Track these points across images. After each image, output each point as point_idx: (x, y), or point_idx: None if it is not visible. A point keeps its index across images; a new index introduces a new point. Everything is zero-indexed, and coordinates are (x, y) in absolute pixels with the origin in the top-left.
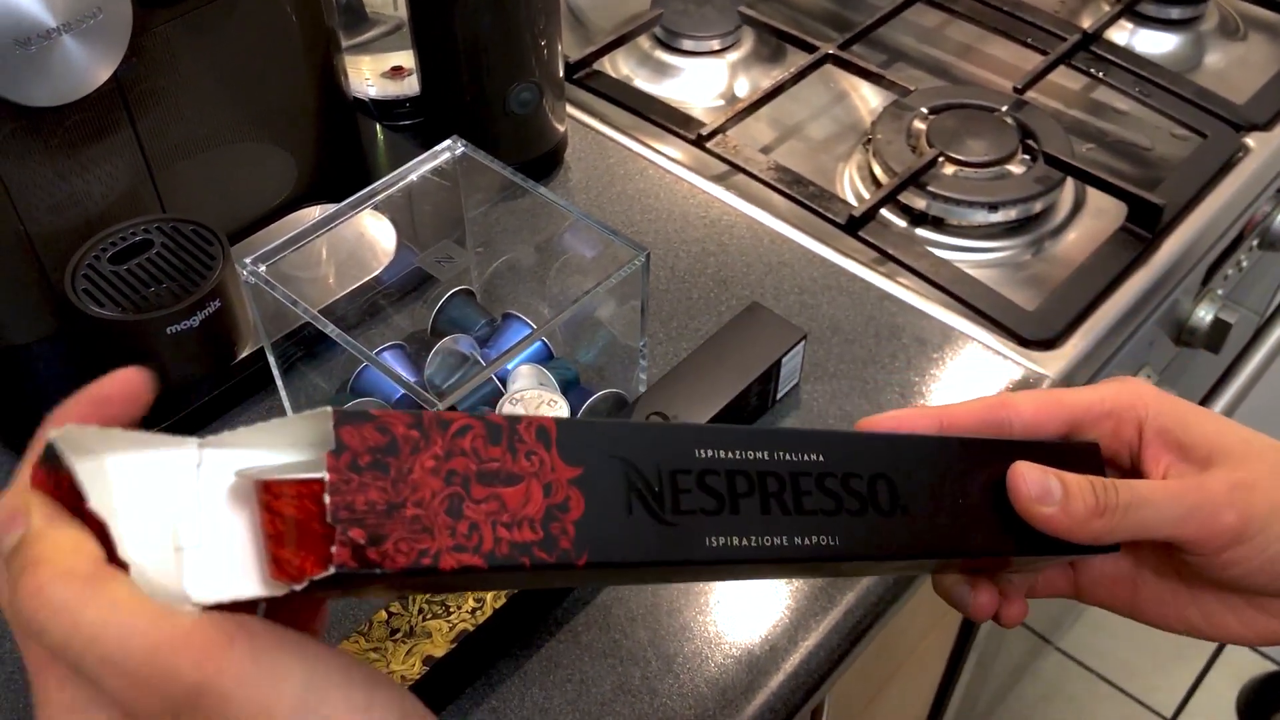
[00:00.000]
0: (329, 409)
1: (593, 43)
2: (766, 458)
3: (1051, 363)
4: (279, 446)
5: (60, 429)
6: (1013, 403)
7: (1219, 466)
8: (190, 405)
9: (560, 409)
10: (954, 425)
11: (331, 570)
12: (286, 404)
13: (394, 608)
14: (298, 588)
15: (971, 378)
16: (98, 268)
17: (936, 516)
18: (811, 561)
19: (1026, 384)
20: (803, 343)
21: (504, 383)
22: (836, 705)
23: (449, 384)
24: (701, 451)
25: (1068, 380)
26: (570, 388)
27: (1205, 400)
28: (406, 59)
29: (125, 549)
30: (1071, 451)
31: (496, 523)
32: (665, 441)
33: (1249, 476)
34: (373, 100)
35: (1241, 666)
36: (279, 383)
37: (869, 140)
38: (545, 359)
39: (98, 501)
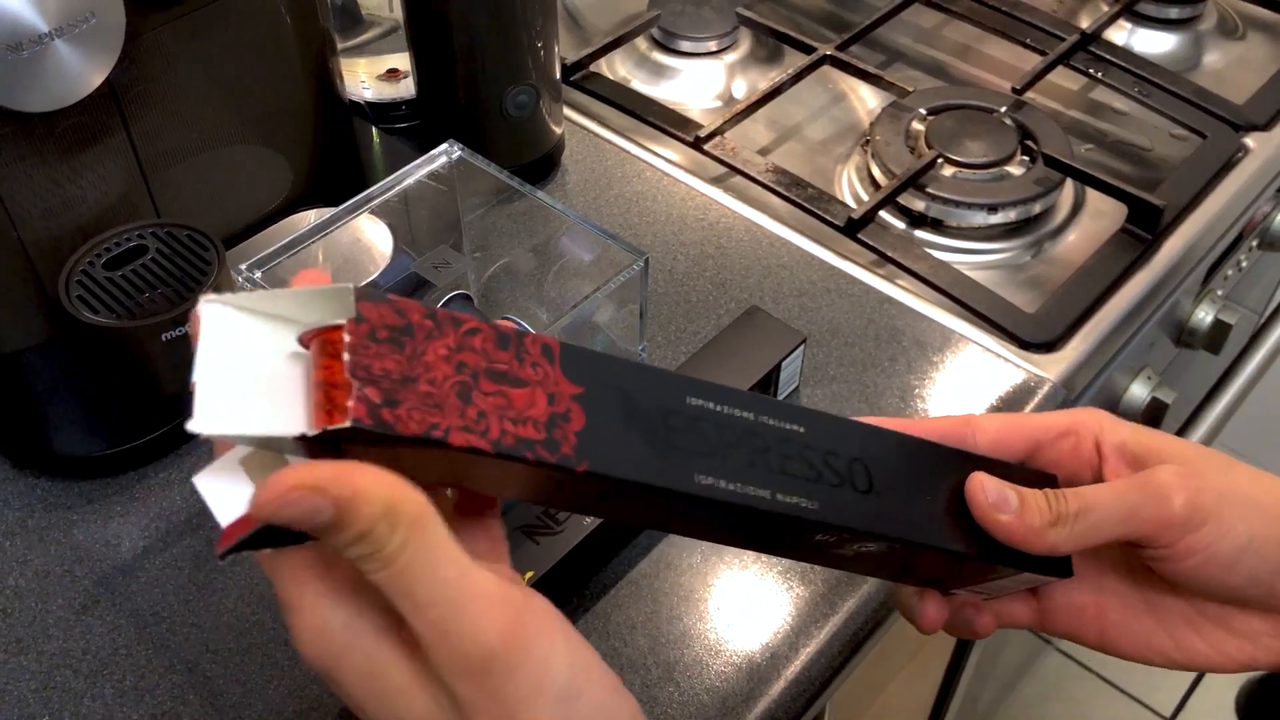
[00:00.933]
0: (350, 285)
1: (589, 44)
2: (753, 419)
3: (1052, 365)
4: (290, 315)
5: None
6: (977, 422)
7: (1166, 464)
8: (186, 412)
9: None
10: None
11: (348, 423)
12: None
13: None
14: (311, 434)
15: (972, 381)
16: (92, 274)
17: (908, 507)
18: (791, 521)
19: (1027, 387)
20: (802, 346)
21: None
22: (838, 711)
23: None
24: (693, 400)
25: (1068, 382)
26: None
27: (1206, 401)
28: (402, 61)
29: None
30: (1034, 475)
31: (504, 416)
32: (661, 383)
33: (1194, 469)
34: (368, 103)
35: None
36: None
37: (867, 141)
38: None
39: None
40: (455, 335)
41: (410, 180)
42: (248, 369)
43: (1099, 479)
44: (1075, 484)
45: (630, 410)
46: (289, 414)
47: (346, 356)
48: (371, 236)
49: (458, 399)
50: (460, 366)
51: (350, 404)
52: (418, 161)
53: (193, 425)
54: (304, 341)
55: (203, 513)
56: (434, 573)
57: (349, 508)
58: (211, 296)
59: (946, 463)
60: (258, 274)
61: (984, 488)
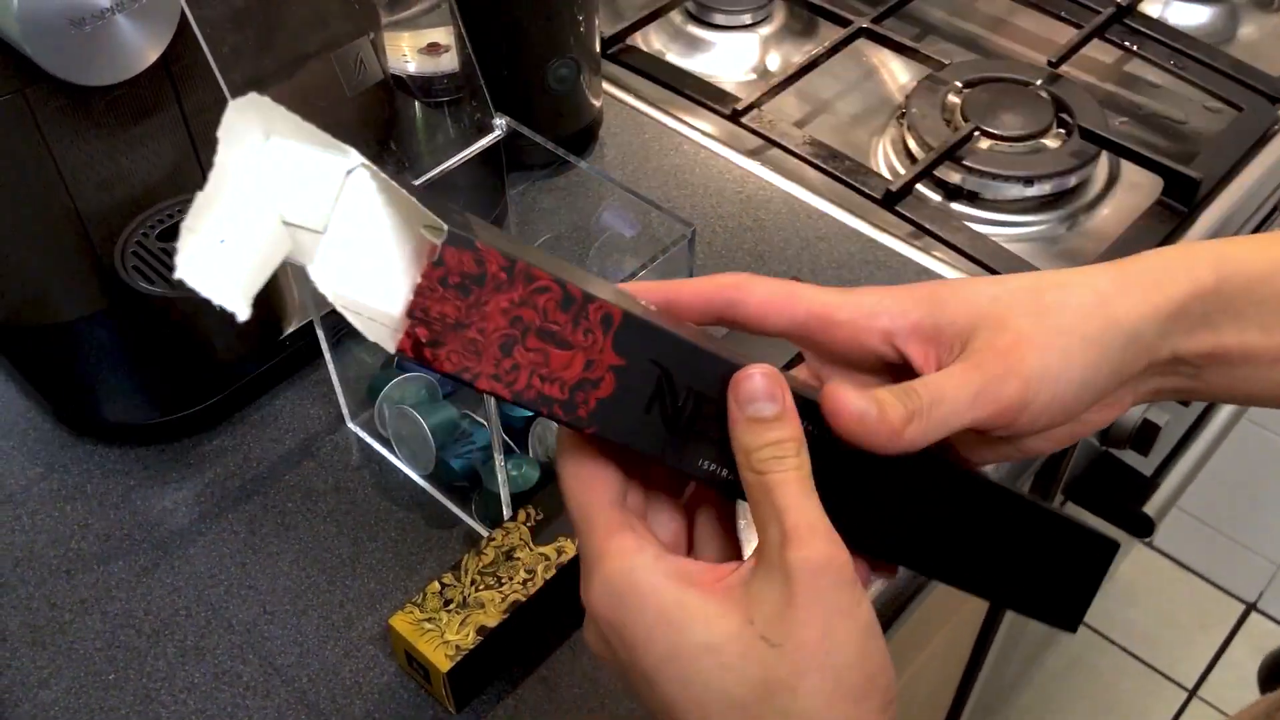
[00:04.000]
0: (446, 227)
1: (625, 18)
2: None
3: None
4: (411, 219)
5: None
6: (747, 286)
7: (981, 334)
8: (238, 380)
9: None
10: (679, 301)
11: (393, 350)
12: (335, 378)
13: (447, 579)
14: (392, 349)
15: None
16: (146, 244)
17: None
18: None
19: None
20: None
21: None
22: None
23: None
24: None
25: None
26: None
27: None
28: (443, 35)
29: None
30: (1081, 535)
31: (535, 372)
32: (709, 368)
33: (1011, 336)
34: (410, 76)
35: (1264, 638)
36: (328, 356)
37: (903, 114)
38: None
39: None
40: (523, 290)
41: (464, 156)
42: (372, 244)
43: (899, 360)
44: (856, 367)
45: (663, 388)
46: (393, 301)
47: (411, 296)
48: None
49: (498, 350)
50: (515, 320)
51: (400, 336)
52: (478, 144)
53: (315, 271)
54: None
55: (256, 480)
56: (808, 487)
57: (791, 413)
58: (365, 163)
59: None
60: None
61: (848, 403)
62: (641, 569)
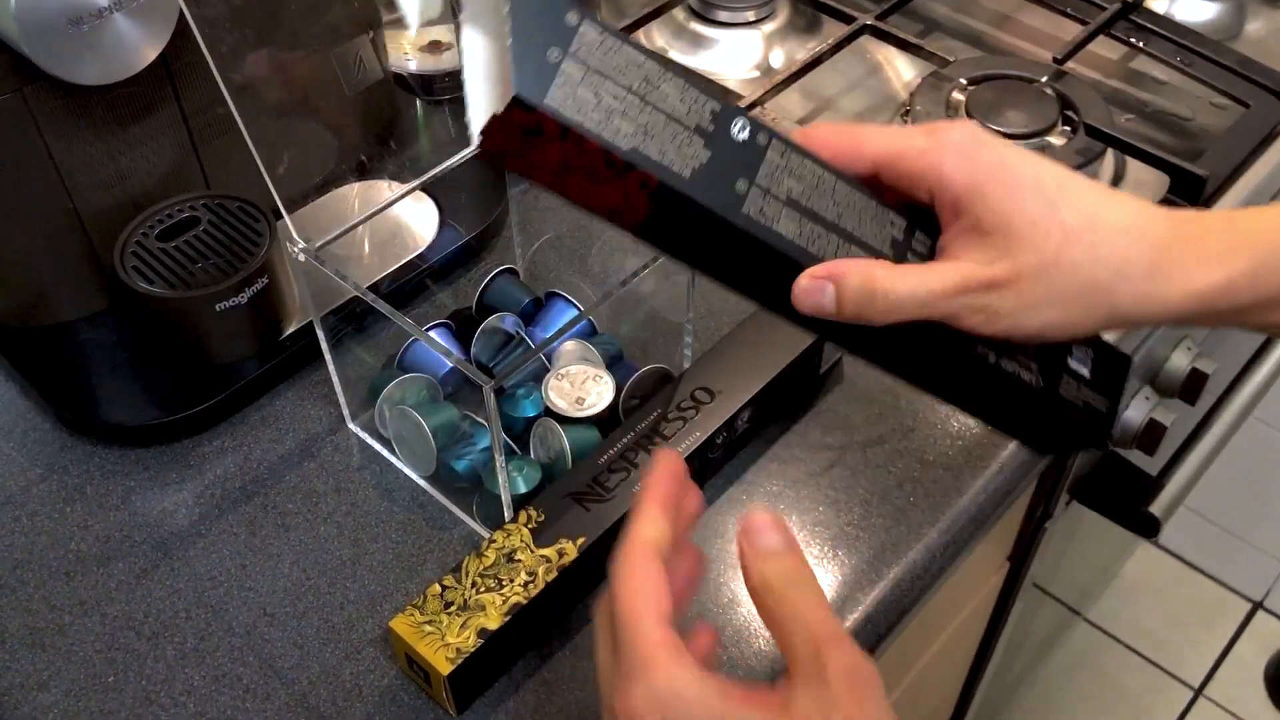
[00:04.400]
0: (516, 91)
1: (628, 15)
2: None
3: None
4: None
5: None
6: (816, 139)
7: (993, 244)
8: (238, 381)
9: (605, 384)
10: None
11: (477, 146)
12: (335, 379)
13: (448, 581)
14: (476, 147)
15: None
16: (146, 245)
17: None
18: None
19: None
20: None
21: (549, 358)
22: (880, 674)
23: (495, 363)
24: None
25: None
26: (614, 362)
27: (1247, 368)
28: (444, 34)
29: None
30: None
31: (583, 191)
32: (725, 235)
33: (1011, 268)
34: (411, 74)
35: (1270, 636)
36: (328, 357)
37: (907, 112)
38: (589, 335)
39: None
40: (575, 148)
41: (465, 154)
42: (484, 45)
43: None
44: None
45: (683, 231)
46: (477, 112)
47: (479, 136)
48: (418, 211)
49: (551, 174)
50: (564, 162)
51: (481, 143)
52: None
53: (462, 21)
54: None
55: (256, 481)
56: (826, 602)
57: (794, 542)
58: None
59: None
60: (313, 247)
61: (800, 288)
62: (688, 681)
